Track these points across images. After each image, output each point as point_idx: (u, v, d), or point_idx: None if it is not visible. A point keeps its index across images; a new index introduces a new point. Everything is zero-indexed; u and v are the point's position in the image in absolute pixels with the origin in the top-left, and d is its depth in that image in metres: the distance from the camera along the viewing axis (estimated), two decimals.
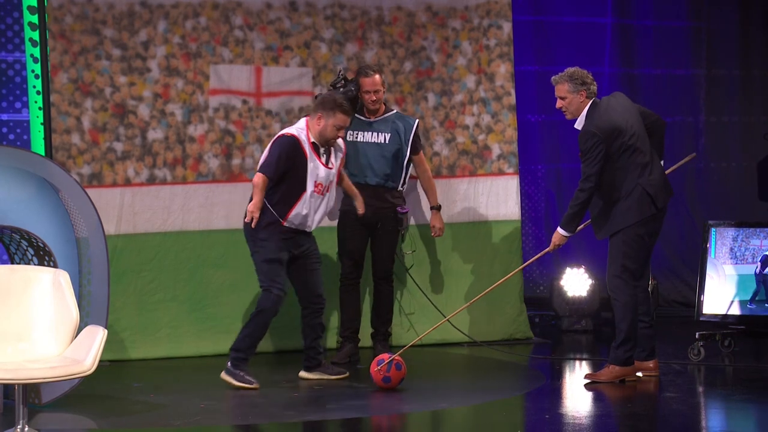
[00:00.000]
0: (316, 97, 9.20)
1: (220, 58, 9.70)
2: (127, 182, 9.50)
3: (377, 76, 9.12)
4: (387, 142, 9.19)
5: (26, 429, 6.63)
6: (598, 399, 8.05)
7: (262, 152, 9.60)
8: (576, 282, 10.85)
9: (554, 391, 8.45)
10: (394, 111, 9.39)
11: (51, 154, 9.25)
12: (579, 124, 8.31)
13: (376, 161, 9.18)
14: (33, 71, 9.43)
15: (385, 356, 8.16)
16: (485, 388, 8.44)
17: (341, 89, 9.09)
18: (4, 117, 9.97)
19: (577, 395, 8.24)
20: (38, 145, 9.41)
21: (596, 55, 12.01)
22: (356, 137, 9.18)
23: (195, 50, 9.65)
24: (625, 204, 8.21)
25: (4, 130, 9.96)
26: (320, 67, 9.89)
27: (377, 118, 9.22)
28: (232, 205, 9.68)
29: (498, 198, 10.24)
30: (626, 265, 8.25)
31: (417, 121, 9.43)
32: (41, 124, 9.37)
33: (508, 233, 10.20)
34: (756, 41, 12.27)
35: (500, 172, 10.25)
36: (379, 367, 8.01)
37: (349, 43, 9.98)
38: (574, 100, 8.29)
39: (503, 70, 10.24)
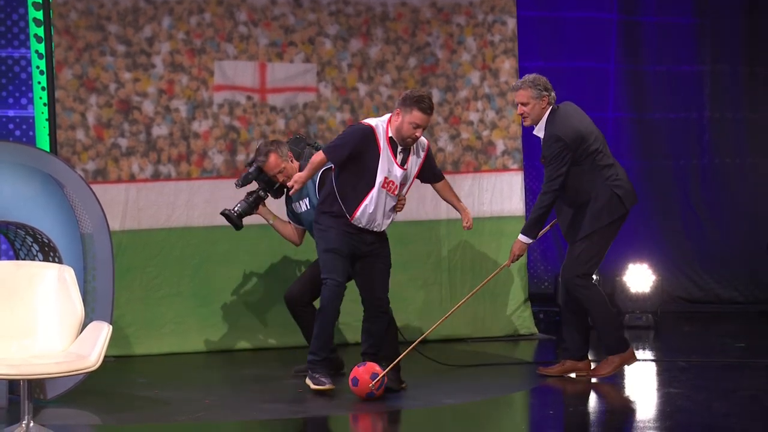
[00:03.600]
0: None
1: (224, 54, 9.71)
2: (132, 178, 9.51)
3: (272, 157, 8.36)
4: (310, 207, 8.46)
5: (31, 424, 6.64)
6: (601, 395, 8.05)
7: None
8: None
9: (558, 388, 8.45)
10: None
11: (56, 150, 9.26)
12: (539, 131, 8.25)
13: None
14: (38, 67, 9.44)
15: (378, 369, 7.80)
16: (489, 385, 8.43)
17: (251, 170, 8.52)
18: (11, 113, 9.99)
19: (580, 391, 8.24)
20: (43, 141, 9.43)
21: (601, 52, 12.00)
22: (299, 209, 8.56)
23: (199, 46, 9.66)
24: (595, 205, 8.20)
25: (11, 126, 9.98)
26: (324, 63, 9.89)
27: (294, 194, 8.46)
28: (237, 200, 9.68)
29: (502, 194, 10.23)
30: (591, 265, 8.30)
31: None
32: (46, 120, 9.39)
33: (513, 229, 10.15)
34: (760, 37, 12.25)
35: (505, 168, 10.25)
36: (373, 383, 7.80)
37: (353, 39, 9.98)
38: (537, 106, 8.23)
39: (508, 66, 10.24)
